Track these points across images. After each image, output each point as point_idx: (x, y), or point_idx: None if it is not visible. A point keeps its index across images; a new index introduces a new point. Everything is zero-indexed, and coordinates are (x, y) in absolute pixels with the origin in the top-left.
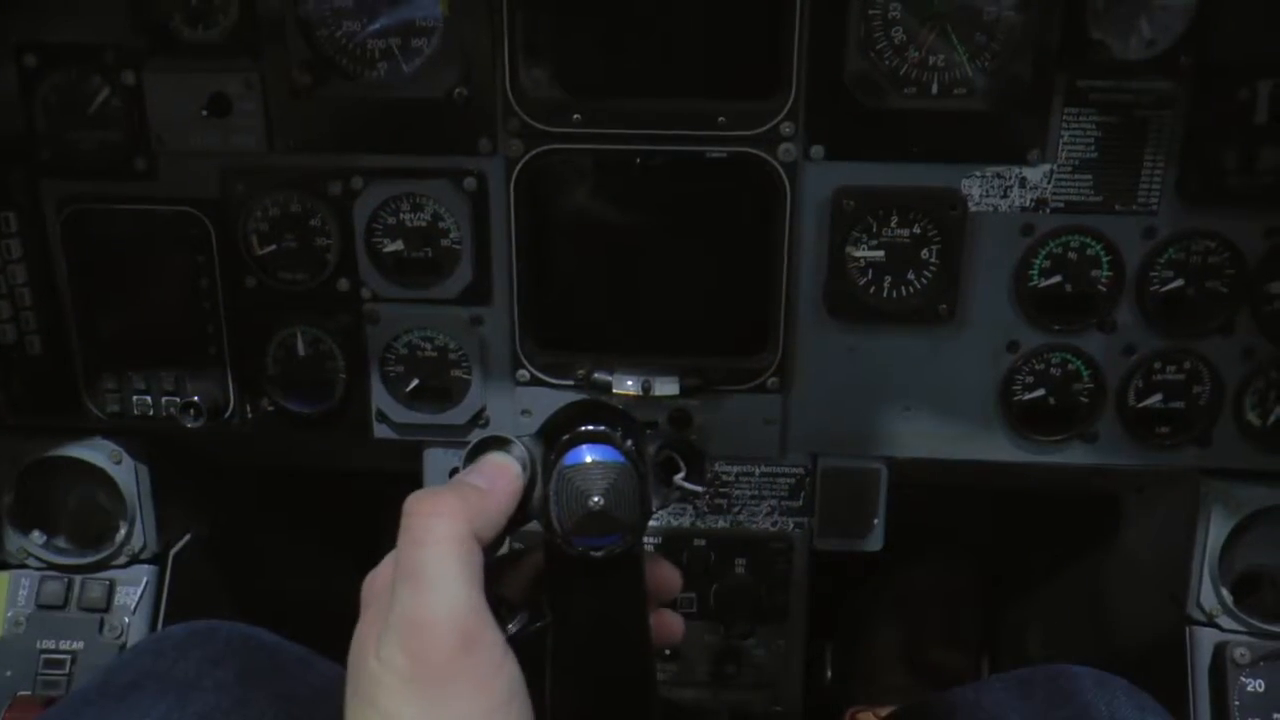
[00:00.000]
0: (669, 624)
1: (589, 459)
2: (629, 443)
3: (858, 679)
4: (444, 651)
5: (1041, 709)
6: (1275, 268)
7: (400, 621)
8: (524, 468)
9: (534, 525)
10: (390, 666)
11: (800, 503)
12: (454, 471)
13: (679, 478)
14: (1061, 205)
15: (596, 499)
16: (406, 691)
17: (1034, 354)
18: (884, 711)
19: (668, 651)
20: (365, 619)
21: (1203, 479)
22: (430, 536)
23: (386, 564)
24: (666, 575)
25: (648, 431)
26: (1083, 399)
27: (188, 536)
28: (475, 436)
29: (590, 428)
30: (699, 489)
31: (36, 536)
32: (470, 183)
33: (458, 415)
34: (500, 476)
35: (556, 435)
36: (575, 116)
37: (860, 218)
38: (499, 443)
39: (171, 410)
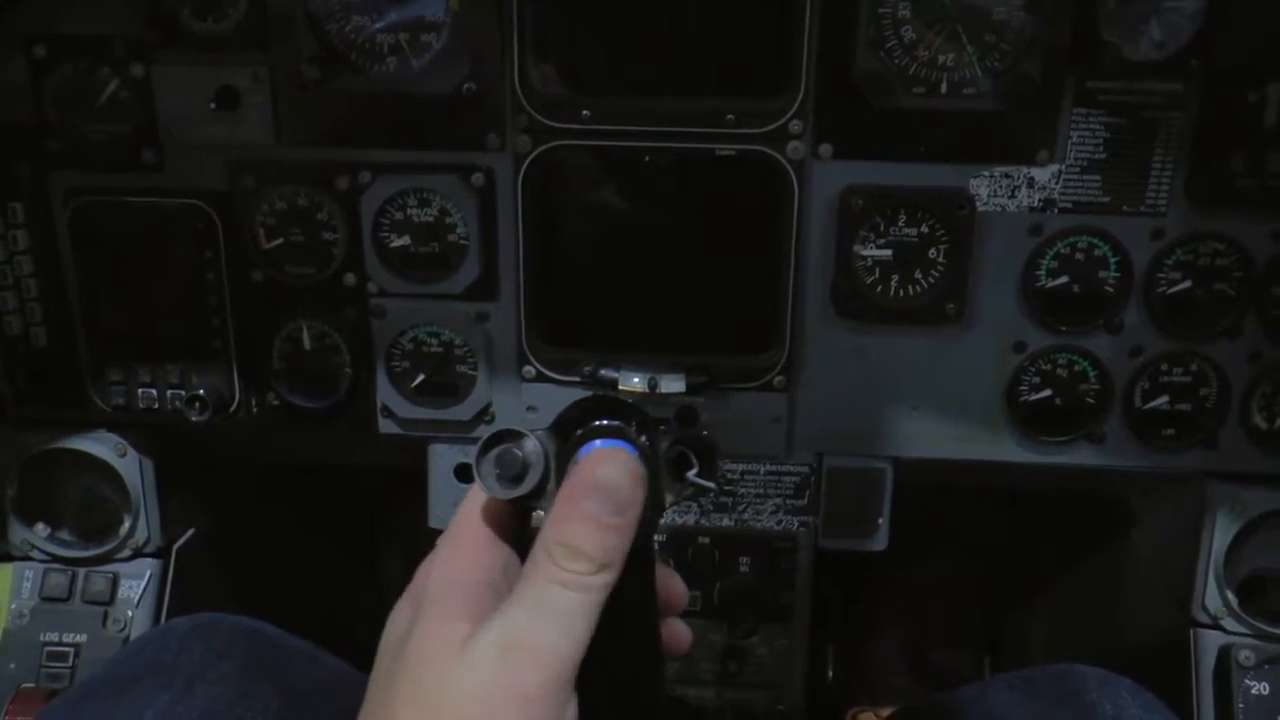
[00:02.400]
0: (678, 634)
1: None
2: (643, 438)
3: (860, 679)
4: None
5: (1046, 708)
6: None
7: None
8: (540, 461)
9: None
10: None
11: (805, 501)
12: (459, 469)
13: (691, 474)
14: (1070, 206)
15: None
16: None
17: (1041, 354)
18: (886, 712)
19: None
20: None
21: (1208, 481)
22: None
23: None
24: (673, 587)
25: (661, 427)
26: (1089, 400)
27: (191, 531)
28: (482, 432)
29: (604, 422)
30: (711, 485)
31: (40, 529)
32: (478, 178)
33: (463, 411)
34: (634, 506)
35: (570, 429)
36: (584, 113)
37: (868, 217)
38: (513, 435)
39: (177, 404)
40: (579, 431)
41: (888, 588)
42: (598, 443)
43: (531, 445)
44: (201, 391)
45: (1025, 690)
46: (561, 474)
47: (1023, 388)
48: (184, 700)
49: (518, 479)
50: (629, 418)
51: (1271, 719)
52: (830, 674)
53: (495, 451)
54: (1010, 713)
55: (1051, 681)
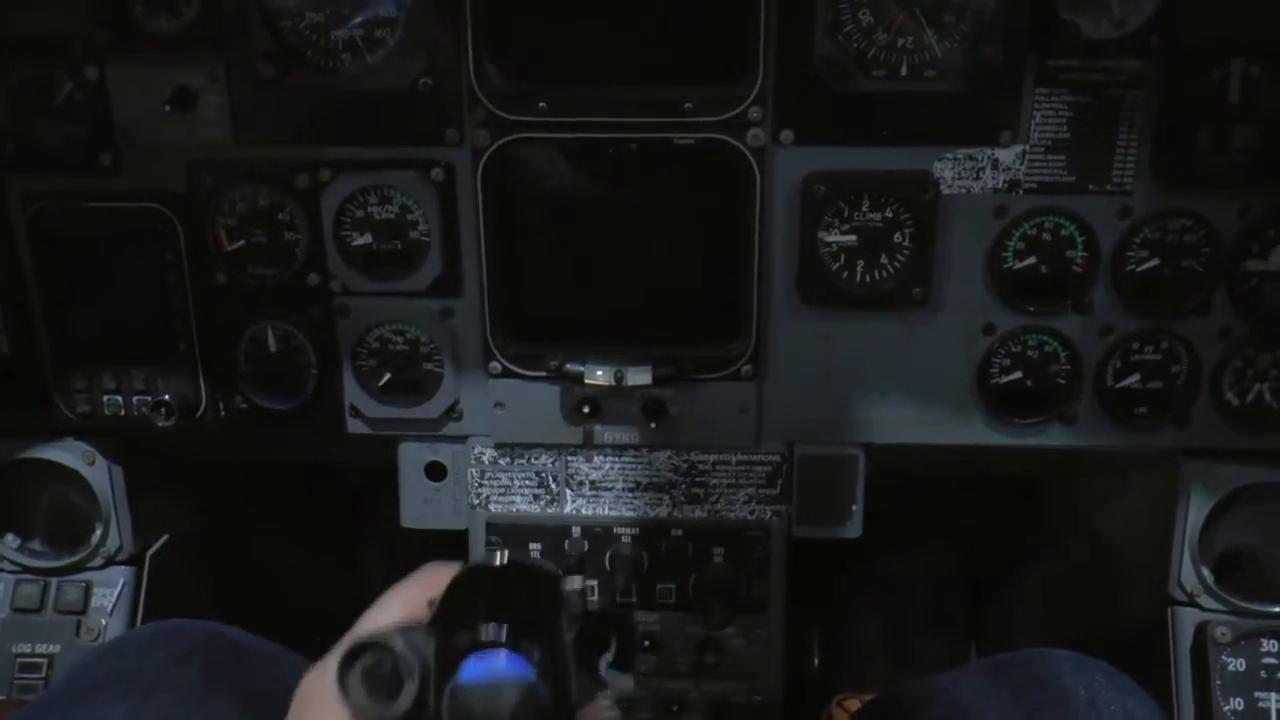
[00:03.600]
0: None
1: (488, 675)
2: (536, 648)
3: (847, 667)
4: None
5: (1019, 694)
6: (1250, 246)
7: None
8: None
9: None
10: None
11: (777, 491)
12: (430, 467)
13: (605, 662)
14: (1035, 186)
15: None
16: None
17: (1010, 336)
18: (870, 698)
19: (647, 642)
20: None
21: (1182, 459)
22: None
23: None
24: None
25: (564, 612)
26: (1060, 381)
27: (165, 537)
28: (451, 429)
29: (485, 632)
30: (627, 680)
31: (10, 540)
32: (438, 173)
33: (431, 409)
34: None
35: (449, 632)
36: (541, 105)
37: (832, 202)
38: (380, 644)
39: (143, 409)
40: (458, 641)
41: (870, 576)
42: (483, 658)
43: (403, 651)
44: (167, 396)
45: (999, 675)
46: (443, 685)
47: (993, 370)
48: (143, 709)
49: (392, 693)
50: (520, 603)
51: (1248, 694)
52: (816, 662)
53: (360, 665)
54: (983, 699)
55: (1025, 666)
